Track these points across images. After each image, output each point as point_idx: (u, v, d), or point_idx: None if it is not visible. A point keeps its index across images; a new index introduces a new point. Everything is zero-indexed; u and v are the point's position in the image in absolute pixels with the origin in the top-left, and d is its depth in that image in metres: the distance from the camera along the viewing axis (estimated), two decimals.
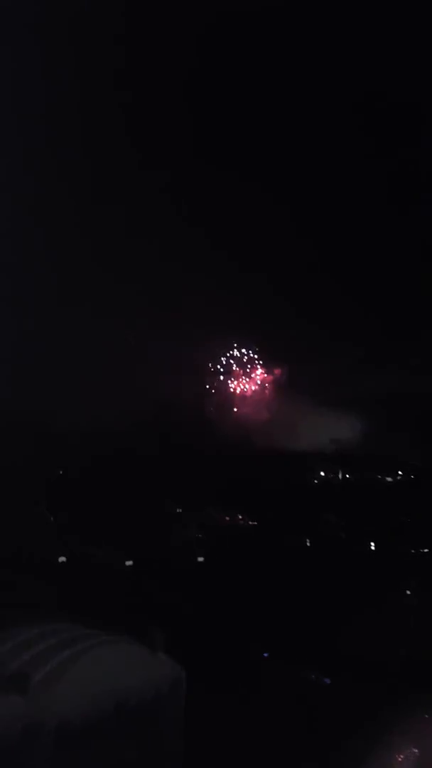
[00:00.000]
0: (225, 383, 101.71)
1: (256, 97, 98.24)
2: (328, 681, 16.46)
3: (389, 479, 71.40)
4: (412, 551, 36.30)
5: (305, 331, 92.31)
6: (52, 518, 41.70)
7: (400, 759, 4.31)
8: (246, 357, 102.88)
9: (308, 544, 39.38)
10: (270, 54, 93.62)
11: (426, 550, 36.13)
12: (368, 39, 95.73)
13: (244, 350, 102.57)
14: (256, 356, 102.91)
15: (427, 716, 5.06)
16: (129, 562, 31.92)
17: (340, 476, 73.66)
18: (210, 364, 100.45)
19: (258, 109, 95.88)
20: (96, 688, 9.17)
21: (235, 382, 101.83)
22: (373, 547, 38.43)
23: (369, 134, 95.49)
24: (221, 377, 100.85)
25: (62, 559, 32.35)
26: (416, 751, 4.47)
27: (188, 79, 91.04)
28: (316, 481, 71.32)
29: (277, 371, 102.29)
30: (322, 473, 73.82)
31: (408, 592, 25.66)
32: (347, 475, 72.96)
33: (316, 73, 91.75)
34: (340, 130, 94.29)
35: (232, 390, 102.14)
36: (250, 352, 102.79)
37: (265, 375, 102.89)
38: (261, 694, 15.07)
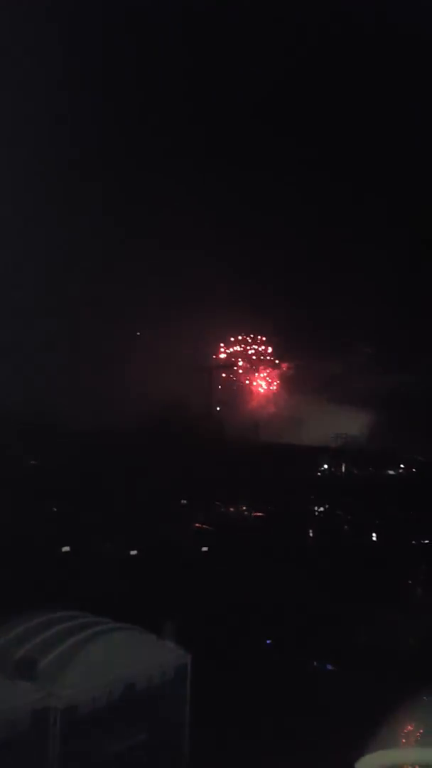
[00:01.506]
0: (232, 378, 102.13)
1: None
2: (329, 667, 16.69)
3: (391, 473, 71.65)
4: (413, 542, 36.51)
5: (313, 328, 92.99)
6: (55, 509, 41.96)
7: (401, 739, 4.43)
8: (254, 352, 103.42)
9: (311, 534, 39.64)
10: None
11: (427, 542, 36.32)
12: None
13: (252, 346, 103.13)
14: (264, 351, 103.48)
15: (425, 698, 5.18)
16: (133, 552, 32.17)
17: (343, 470, 73.87)
18: (218, 359, 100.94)
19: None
20: (103, 673, 9.35)
21: (243, 377, 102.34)
22: (375, 539, 38.67)
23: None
24: (229, 372, 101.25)
25: (66, 548, 32.57)
26: (416, 730, 4.60)
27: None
28: (320, 475, 71.54)
29: (284, 367, 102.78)
30: (326, 467, 74.08)
31: (410, 582, 25.86)
32: (351, 469, 73.18)
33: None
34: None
35: (239, 384, 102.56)
36: (259, 347, 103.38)
37: (273, 370, 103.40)
38: (263, 680, 15.27)
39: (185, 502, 47.71)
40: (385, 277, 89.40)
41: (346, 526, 43.36)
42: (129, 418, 68.19)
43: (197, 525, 40.08)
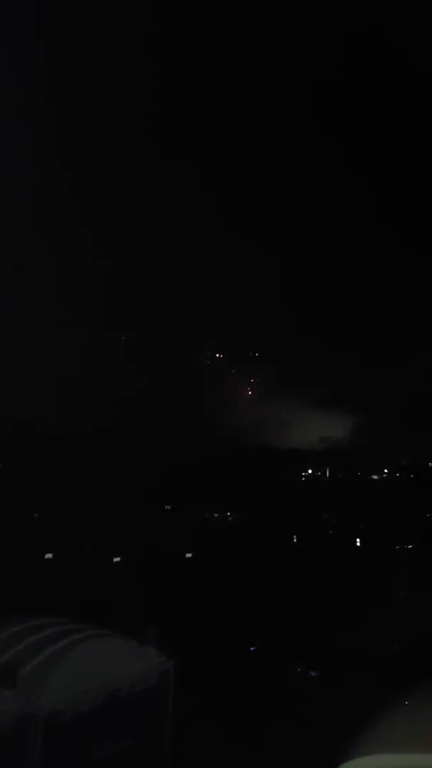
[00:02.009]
0: (218, 381, 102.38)
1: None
2: (313, 674, 16.65)
3: (375, 477, 71.82)
4: (397, 547, 36.59)
5: (299, 332, 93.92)
6: (36, 515, 41.61)
7: (383, 745, 4.39)
8: (240, 356, 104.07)
9: (295, 540, 39.59)
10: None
11: (411, 546, 36.43)
12: None
13: (238, 349, 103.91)
14: (250, 355, 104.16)
15: (407, 703, 5.15)
16: (117, 559, 31.97)
17: (328, 474, 73.92)
18: (204, 363, 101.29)
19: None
20: (86, 680, 9.27)
21: (229, 381, 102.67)
22: (358, 543, 38.71)
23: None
24: (215, 376, 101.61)
25: (48, 555, 32.31)
26: (398, 736, 4.57)
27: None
28: (304, 479, 71.54)
29: (269, 370, 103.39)
30: (311, 471, 74.10)
31: (393, 587, 25.90)
32: (336, 473, 73.25)
33: None
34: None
35: (225, 388, 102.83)
36: (248, 351, 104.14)
37: (258, 374, 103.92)
38: (247, 686, 15.21)
39: (168, 507, 47.52)
40: (370, 282, 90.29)
41: (330, 530, 43.40)
42: (115, 421, 68.05)
43: (182, 530, 39.83)
